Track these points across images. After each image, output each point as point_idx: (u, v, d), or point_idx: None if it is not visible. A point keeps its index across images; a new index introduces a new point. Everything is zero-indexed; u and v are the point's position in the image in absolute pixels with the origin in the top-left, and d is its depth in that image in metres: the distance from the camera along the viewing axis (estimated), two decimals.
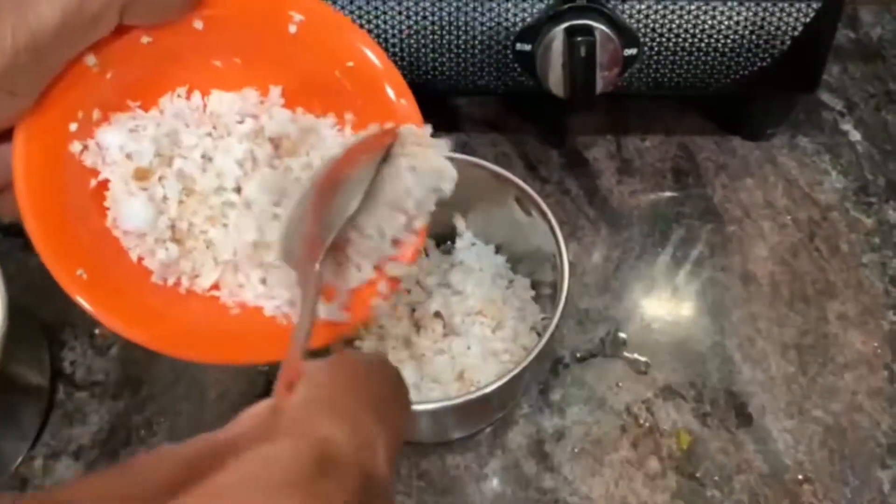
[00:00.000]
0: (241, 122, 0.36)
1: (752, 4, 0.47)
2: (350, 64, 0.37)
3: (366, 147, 0.35)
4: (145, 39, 0.32)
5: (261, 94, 0.37)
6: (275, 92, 0.37)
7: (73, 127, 0.32)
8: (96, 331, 0.52)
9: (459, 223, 0.48)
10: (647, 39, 0.49)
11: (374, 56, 0.37)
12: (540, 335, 0.40)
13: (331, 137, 0.37)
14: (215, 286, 0.36)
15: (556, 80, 0.49)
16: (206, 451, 0.19)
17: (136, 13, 0.30)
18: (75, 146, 0.32)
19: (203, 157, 0.34)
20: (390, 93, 0.38)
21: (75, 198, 0.33)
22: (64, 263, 0.32)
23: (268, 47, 0.36)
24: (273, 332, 0.34)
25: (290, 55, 0.36)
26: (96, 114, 0.32)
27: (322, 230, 0.32)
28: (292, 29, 0.36)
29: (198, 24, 0.34)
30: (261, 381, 0.49)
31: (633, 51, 0.49)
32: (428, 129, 0.35)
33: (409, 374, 0.42)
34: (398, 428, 0.23)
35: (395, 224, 0.33)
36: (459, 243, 0.47)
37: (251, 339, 0.34)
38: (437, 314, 0.44)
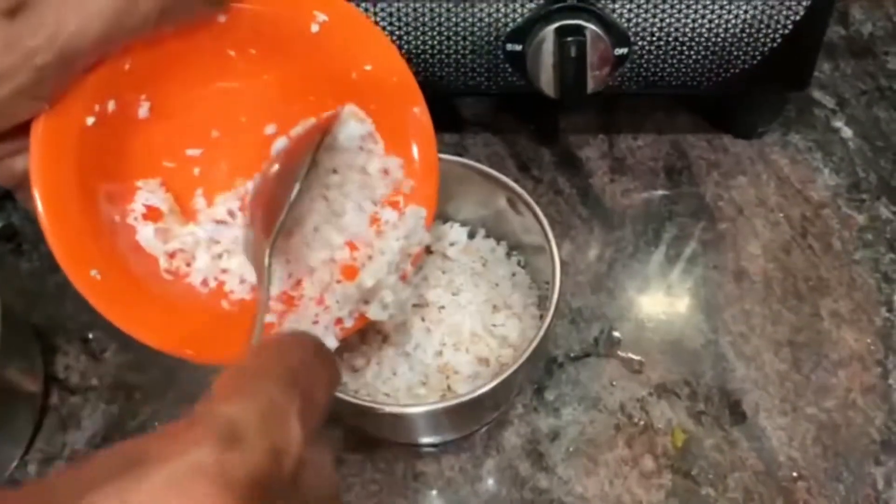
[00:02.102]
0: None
1: (743, 3, 0.47)
2: (368, 67, 0.37)
3: (309, 136, 0.36)
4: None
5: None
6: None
7: (90, 121, 0.31)
8: (90, 335, 0.51)
9: (450, 222, 0.48)
10: (638, 39, 0.49)
11: (393, 62, 0.37)
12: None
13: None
14: (221, 283, 0.37)
15: (547, 79, 0.49)
16: (123, 455, 0.20)
17: (173, 16, 0.30)
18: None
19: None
20: (405, 100, 0.38)
21: (94, 187, 0.33)
22: (78, 263, 0.32)
23: (287, 43, 0.36)
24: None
25: (309, 52, 0.36)
26: (111, 105, 0.32)
27: (271, 217, 0.33)
28: (315, 28, 0.36)
29: (221, 18, 0.34)
30: None
31: (624, 50, 0.49)
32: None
33: (401, 374, 0.42)
34: (317, 399, 0.24)
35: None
36: (452, 236, 0.47)
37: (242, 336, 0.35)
38: (429, 312, 0.44)
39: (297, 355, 0.25)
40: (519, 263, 0.48)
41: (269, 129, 0.37)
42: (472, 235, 0.48)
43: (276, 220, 0.32)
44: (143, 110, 0.34)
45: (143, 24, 0.29)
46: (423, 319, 0.43)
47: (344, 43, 0.37)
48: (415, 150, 0.39)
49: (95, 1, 0.27)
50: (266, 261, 0.32)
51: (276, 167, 0.35)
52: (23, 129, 0.30)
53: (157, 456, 0.19)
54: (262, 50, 0.36)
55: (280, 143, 0.37)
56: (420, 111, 0.39)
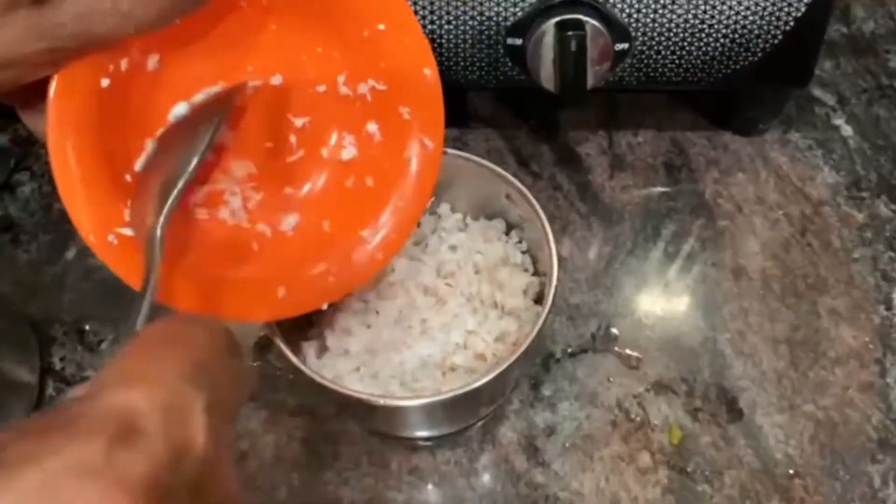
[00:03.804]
0: None
1: None
2: (381, 27, 0.37)
3: (213, 103, 0.35)
4: None
5: None
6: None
7: (105, 82, 0.31)
8: (86, 326, 0.51)
9: (448, 215, 0.48)
10: (639, 34, 0.49)
11: (407, 23, 0.37)
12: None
13: None
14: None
15: (547, 74, 0.49)
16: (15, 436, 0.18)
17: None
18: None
19: None
20: (416, 62, 0.38)
21: (108, 146, 0.32)
22: (96, 227, 0.31)
23: None
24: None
25: (321, 5, 0.36)
26: (124, 64, 0.32)
27: (161, 190, 0.31)
28: None
29: None
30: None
31: (625, 45, 0.49)
32: None
33: (397, 368, 0.42)
34: (224, 392, 0.22)
35: None
36: (450, 229, 0.47)
37: (260, 296, 0.36)
38: (426, 306, 0.44)
39: (206, 343, 0.23)
40: (517, 259, 0.48)
41: (276, 79, 0.37)
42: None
43: (168, 196, 0.30)
44: (151, 62, 0.34)
45: (166, 20, 0.29)
46: (419, 313, 0.43)
47: (358, 0, 0.37)
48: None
49: None
50: (157, 235, 0.30)
51: (170, 133, 0.34)
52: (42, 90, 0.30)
53: (27, 454, 0.17)
54: (274, 1, 0.36)
55: (180, 109, 0.36)
56: (431, 73, 0.38)
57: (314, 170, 0.40)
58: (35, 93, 0.29)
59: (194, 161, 0.31)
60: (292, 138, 0.39)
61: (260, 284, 0.37)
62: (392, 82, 0.38)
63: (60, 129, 0.30)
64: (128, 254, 0.32)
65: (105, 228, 0.32)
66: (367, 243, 0.40)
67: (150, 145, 0.35)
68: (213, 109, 0.34)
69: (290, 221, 0.40)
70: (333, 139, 0.40)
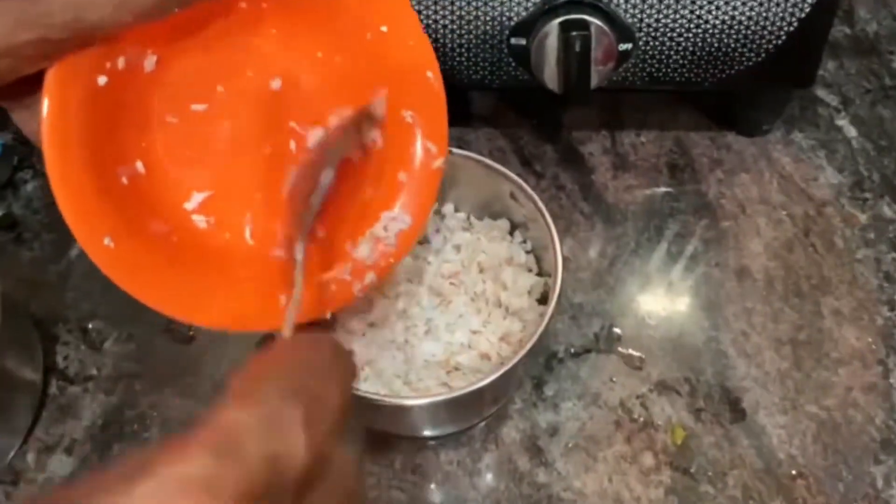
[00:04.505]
0: None
1: None
2: (384, 29, 0.37)
3: (343, 127, 0.35)
4: None
5: None
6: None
7: (102, 80, 0.31)
8: (90, 325, 0.51)
9: (453, 214, 0.48)
10: (643, 34, 0.49)
11: (410, 25, 0.37)
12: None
13: None
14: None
15: (550, 74, 0.49)
16: (131, 463, 0.19)
17: None
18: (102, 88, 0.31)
19: None
20: (419, 64, 0.38)
21: (104, 147, 0.32)
22: (91, 230, 0.31)
23: None
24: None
25: (322, 9, 0.36)
26: (121, 62, 0.32)
27: (305, 210, 0.33)
28: None
29: None
30: None
31: (629, 45, 0.49)
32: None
33: (401, 367, 0.42)
34: (328, 401, 0.23)
35: None
36: (455, 228, 0.47)
37: (260, 305, 0.36)
38: (431, 305, 0.44)
39: (311, 357, 0.25)
40: (522, 258, 0.48)
41: (275, 83, 0.37)
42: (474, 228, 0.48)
43: (306, 215, 0.32)
44: (149, 63, 0.33)
45: (163, 9, 0.28)
46: (424, 312, 0.43)
47: (360, 2, 0.36)
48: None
49: None
50: (299, 256, 0.31)
51: (310, 158, 0.35)
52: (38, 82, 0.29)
53: (153, 466, 0.19)
54: (273, 3, 0.36)
55: (317, 134, 0.37)
56: (433, 76, 0.38)
57: None
58: (27, 90, 0.29)
59: (327, 176, 0.33)
60: (291, 144, 0.39)
61: (260, 293, 0.37)
62: (394, 85, 0.38)
63: (55, 128, 0.30)
64: (123, 258, 0.32)
65: (100, 232, 0.31)
66: (368, 252, 0.39)
67: (293, 171, 0.35)
68: (347, 130, 0.35)
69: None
70: None
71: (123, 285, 0.32)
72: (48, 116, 0.29)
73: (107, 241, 0.31)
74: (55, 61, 0.28)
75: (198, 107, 0.36)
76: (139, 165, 0.34)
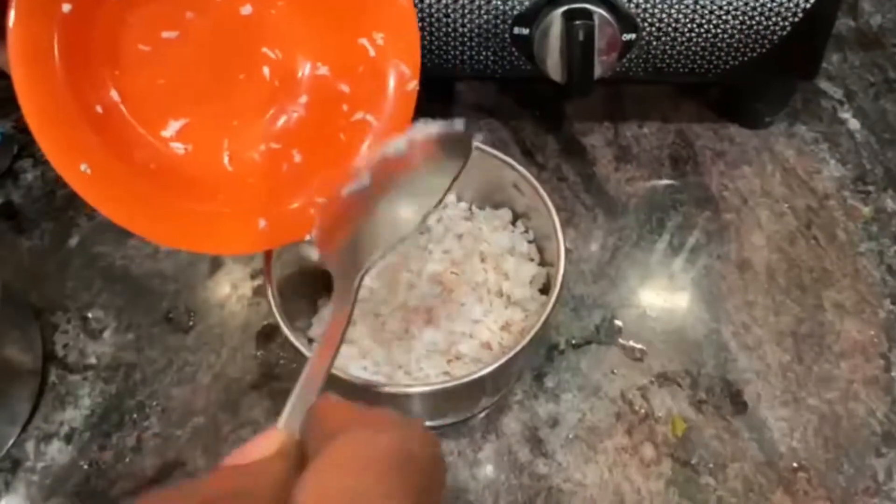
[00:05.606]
0: None
1: None
2: (378, 35, 0.38)
3: (418, 153, 0.34)
4: None
5: None
6: None
7: (67, 7, 0.31)
8: (89, 314, 0.51)
9: (454, 203, 0.48)
10: (647, 25, 0.49)
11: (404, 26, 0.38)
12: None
13: None
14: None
15: (553, 64, 0.48)
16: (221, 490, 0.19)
17: None
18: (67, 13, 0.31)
19: None
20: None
21: (76, 76, 0.32)
22: (67, 156, 0.31)
23: None
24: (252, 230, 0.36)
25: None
26: None
27: (368, 246, 0.31)
28: None
29: None
30: (254, 367, 0.48)
31: (632, 36, 0.49)
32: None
33: (401, 356, 0.42)
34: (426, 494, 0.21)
35: None
36: (456, 218, 0.47)
37: (239, 228, 0.36)
38: (433, 295, 0.44)
39: (418, 470, 0.22)
40: (524, 248, 0.47)
41: (245, 9, 0.37)
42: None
43: (373, 253, 0.31)
44: None
45: None
46: (425, 302, 0.43)
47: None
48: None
49: None
50: (356, 285, 0.30)
51: (366, 181, 0.34)
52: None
53: None
54: None
55: (400, 144, 0.36)
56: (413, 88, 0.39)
57: (288, 101, 0.40)
58: None
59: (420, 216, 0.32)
60: (265, 70, 0.39)
61: (238, 217, 0.37)
62: (362, 7, 0.38)
63: (23, 57, 0.30)
64: (101, 183, 0.32)
65: (77, 158, 0.31)
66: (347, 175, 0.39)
67: (365, 175, 0.35)
68: (444, 149, 0.34)
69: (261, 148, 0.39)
70: (308, 68, 0.40)
71: (102, 209, 0.32)
72: (13, 46, 0.29)
73: (83, 167, 0.32)
74: None
75: (169, 34, 0.36)
76: (113, 94, 0.34)
